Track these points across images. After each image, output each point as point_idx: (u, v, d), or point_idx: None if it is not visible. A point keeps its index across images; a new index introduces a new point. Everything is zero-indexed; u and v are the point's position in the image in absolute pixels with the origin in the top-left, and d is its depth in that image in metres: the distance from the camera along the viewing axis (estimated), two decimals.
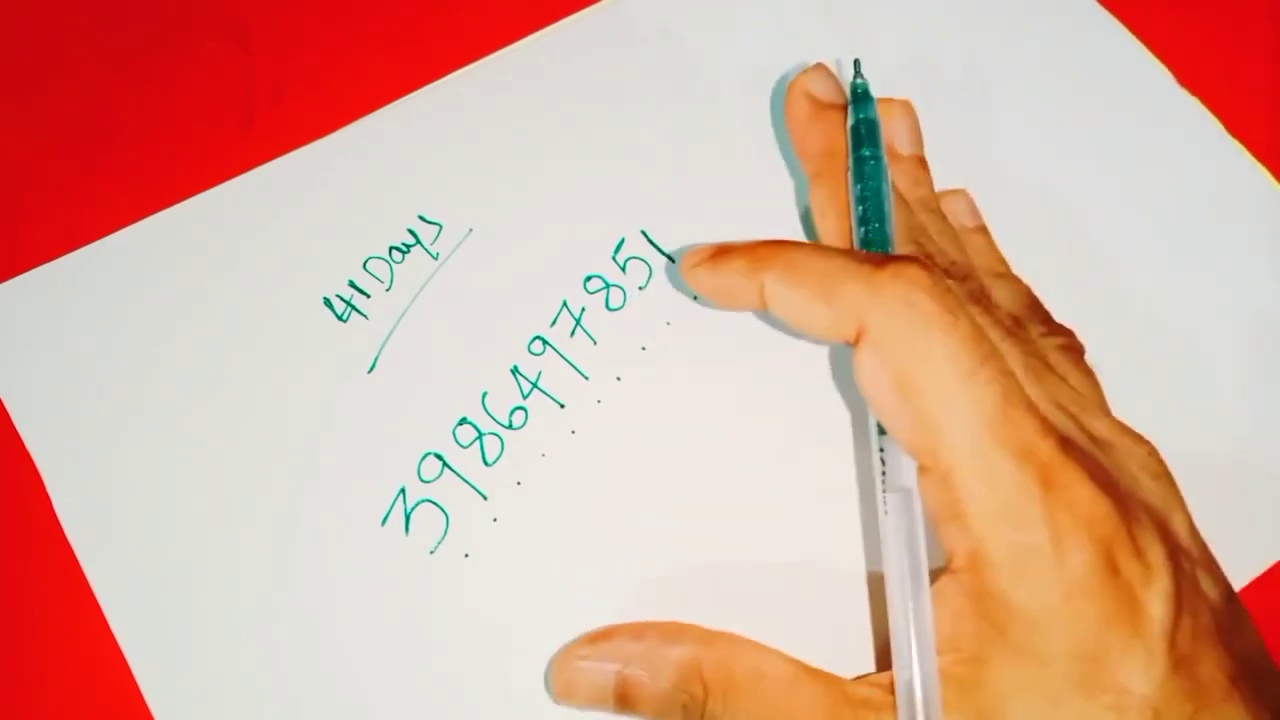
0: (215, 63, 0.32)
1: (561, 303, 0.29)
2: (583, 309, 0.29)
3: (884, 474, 0.23)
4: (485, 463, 0.27)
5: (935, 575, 0.22)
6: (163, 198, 0.30)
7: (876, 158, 0.26)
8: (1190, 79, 0.32)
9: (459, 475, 0.27)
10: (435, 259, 0.29)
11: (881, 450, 0.23)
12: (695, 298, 0.29)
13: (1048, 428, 0.21)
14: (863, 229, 0.25)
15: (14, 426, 0.27)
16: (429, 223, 0.30)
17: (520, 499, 0.27)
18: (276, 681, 0.25)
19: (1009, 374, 0.21)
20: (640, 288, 0.29)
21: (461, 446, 0.27)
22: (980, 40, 0.32)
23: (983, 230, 0.28)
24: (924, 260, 0.22)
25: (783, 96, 0.28)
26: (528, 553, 0.26)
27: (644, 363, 0.28)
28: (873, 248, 0.25)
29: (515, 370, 0.28)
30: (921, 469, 0.22)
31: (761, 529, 0.26)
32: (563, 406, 0.28)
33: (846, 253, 0.23)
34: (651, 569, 0.26)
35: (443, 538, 0.26)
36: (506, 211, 0.30)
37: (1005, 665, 0.20)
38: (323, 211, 0.30)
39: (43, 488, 0.27)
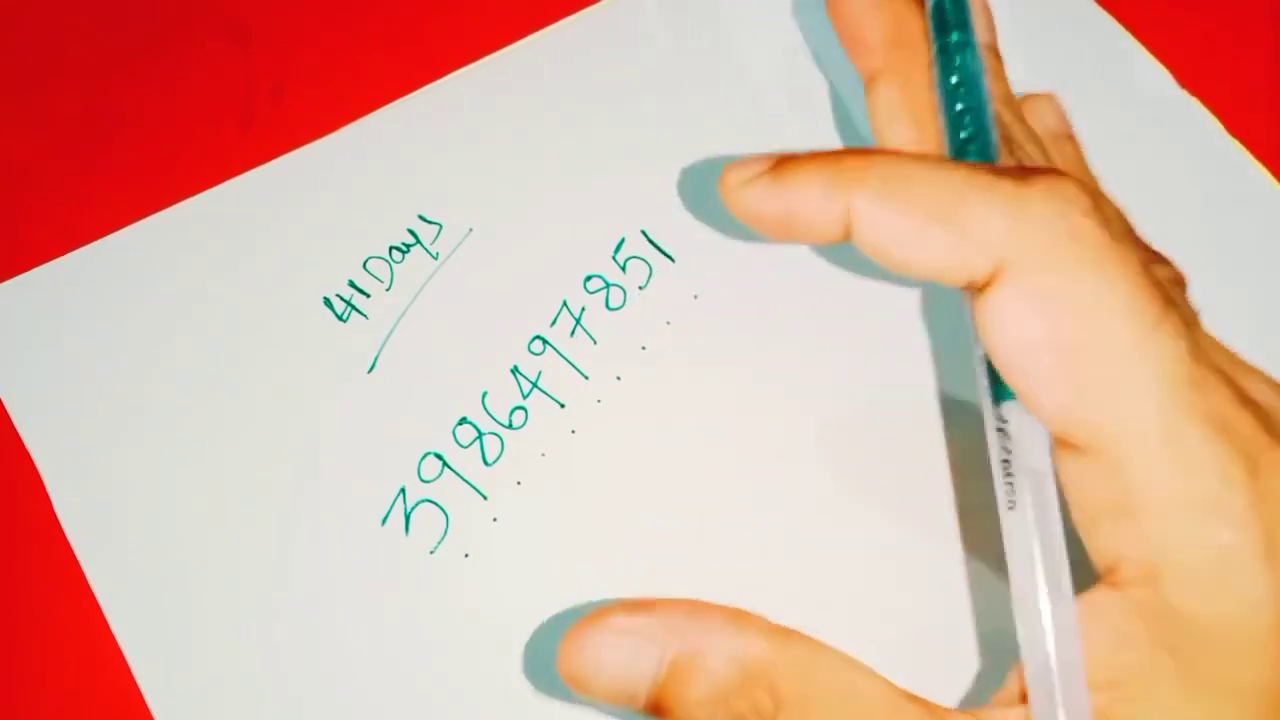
0: (215, 63, 0.32)
1: (561, 302, 0.29)
2: (583, 309, 0.29)
3: (1007, 453, 0.18)
4: (485, 463, 0.27)
5: (1079, 584, 0.17)
6: (163, 198, 0.30)
7: (968, 43, 0.20)
8: (1190, 79, 0.31)
9: (459, 475, 0.27)
10: (435, 259, 0.29)
11: (1003, 424, 0.18)
12: (695, 297, 0.29)
13: (1243, 396, 0.17)
14: (960, 136, 0.20)
15: (14, 426, 0.27)
16: (429, 223, 0.30)
17: (520, 499, 0.27)
18: (276, 681, 0.25)
19: (1191, 326, 0.17)
20: (640, 287, 0.29)
21: (461, 446, 0.27)
22: None
23: (1072, 139, 0.24)
24: (1075, 177, 0.17)
25: (786, 91, 0.27)
26: (528, 553, 0.26)
27: (644, 363, 0.28)
28: (972, 159, 0.19)
29: (515, 370, 0.28)
30: (1068, 448, 0.17)
31: (763, 528, 0.26)
32: (563, 406, 0.28)
33: (967, 165, 0.18)
34: (653, 569, 0.26)
35: (443, 538, 0.26)
36: (506, 211, 0.30)
37: (1184, 703, 0.16)
38: (323, 211, 0.30)
39: (43, 488, 0.27)
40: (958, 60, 0.20)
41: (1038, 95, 0.23)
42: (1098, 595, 0.17)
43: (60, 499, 0.27)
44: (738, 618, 0.17)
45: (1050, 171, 0.17)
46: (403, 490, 0.27)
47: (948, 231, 0.17)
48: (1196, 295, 0.29)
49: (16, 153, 0.31)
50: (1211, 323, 0.28)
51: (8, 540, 0.27)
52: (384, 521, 0.26)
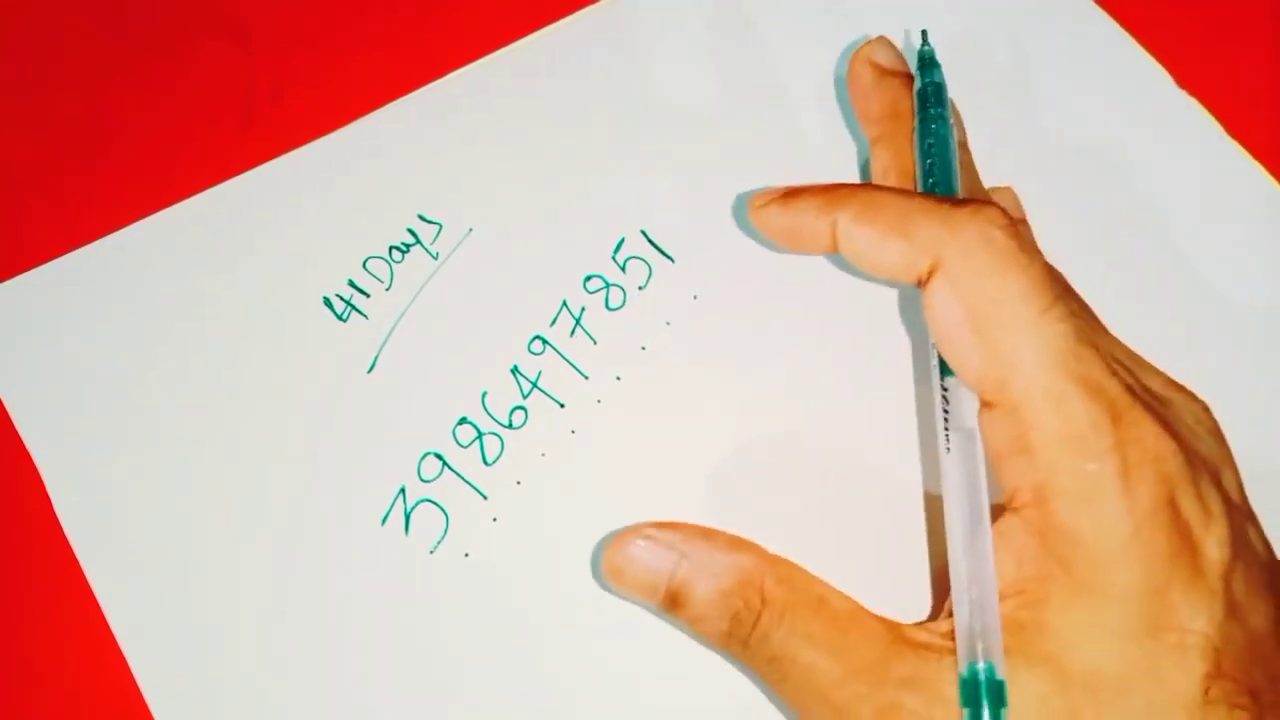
0: (215, 63, 0.32)
1: (561, 302, 0.29)
2: (583, 309, 0.29)
3: (946, 414, 0.23)
4: (485, 462, 0.27)
5: (995, 517, 0.21)
6: (163, 198, 0.30)
7: (943, 117, 0.26)
8: (1190, 79, 0.32)
9: (459, 475, 0.27)
10: (435, 259, 0.29)
11: (945, 390, 0.23)
12: (695, 297, 0.29)
13: (1114, 370, 0.21)
14: (929, 180, 0.25)
15: (14, 426, 0.27)
16: (429, 223, 0.30)
17: (520, 499, 0.27)
18: (276, 681, 0.25)
19: (1079, 315, 0.21)
20: (640, 288, 0.29)
21: (461, 446, 0.27)
22: (978, 40, 0.32)
23: (1025, 224, 0.28)
24: (999, 204, 0.23)
25: (784, 92, 0.28)
26: (528, 553, 0.26)
27: (644, 362, 0.28)
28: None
29: (515, 370, 0.28)
30: (986, 405, 0.22)
31: (763, 527, 0.26)
32: (563, 406, 0.28)
33: (923, 195, 0.23)
34: None
35: (443, 538, 0.26)
36: (506, 211, 0.30)
37: (1071, 605, 0.20)
38: (323, 211, 0.30)
39: (43, 488, 0.27)
40: (933, 127, 0.26)
41: (998, 188, 0.28)
42: (1003, 522, 0.21)
43: (60, 499, 0.27)
44: (739, 540, 0.22)
45: (979, 200, 0.22)
46: (403, 490, 0.27)
47: (900, 240, 0.22)
48: (1194, 297, 0.29)
49: (16, 153, 0.31)
50: (1211, 321, 0.29)
51: (8, 540, 0.27)
52: (384, 521, 0.26)
